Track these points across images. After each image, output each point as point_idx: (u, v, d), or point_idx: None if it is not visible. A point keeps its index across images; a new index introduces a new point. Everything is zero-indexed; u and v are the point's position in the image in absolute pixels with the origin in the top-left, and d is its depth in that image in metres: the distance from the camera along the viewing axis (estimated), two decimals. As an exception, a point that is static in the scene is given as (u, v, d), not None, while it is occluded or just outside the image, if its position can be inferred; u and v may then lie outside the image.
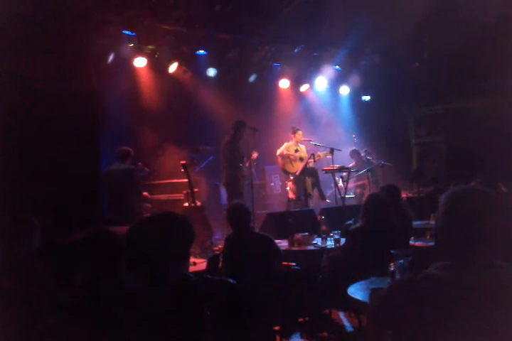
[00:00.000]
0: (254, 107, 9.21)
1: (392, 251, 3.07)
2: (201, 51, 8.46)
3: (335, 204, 8.40)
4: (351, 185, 9.46)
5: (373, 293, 2.13)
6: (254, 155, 8.03)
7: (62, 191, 5.32)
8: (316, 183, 8.92)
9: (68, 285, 2.77)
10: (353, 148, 10.00)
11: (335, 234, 5.19)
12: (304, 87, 10.31)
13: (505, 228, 1.77)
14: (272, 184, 9.94)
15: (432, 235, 4.91)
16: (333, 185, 8.68)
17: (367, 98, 11.38)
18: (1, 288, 2.66)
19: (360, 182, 9.70)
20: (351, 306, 4.13)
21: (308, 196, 8.52)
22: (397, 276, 2.87)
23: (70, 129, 5.58)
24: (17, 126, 5.10)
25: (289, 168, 8.91)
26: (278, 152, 8.96)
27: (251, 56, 8.98)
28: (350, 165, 9.59)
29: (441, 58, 10.00)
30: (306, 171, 8.61)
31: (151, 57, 8.01)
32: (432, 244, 4.91)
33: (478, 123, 9.54)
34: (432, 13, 8.06)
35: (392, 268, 2.98)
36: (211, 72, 8.74)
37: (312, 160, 8.63)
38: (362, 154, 9.90)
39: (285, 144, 9.02)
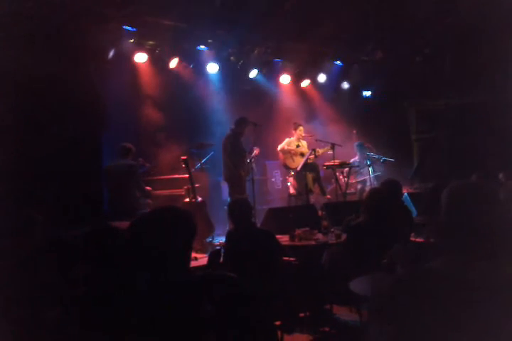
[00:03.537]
0: (255, 103, 9.19)
1: (393, 246, 3.08)
2: (202, 46, 8.43)
3: (335, 199, 8.40)
4: (352, 180, 9.44)
5: (375, 287, 2.13)
6: (256, 151, 8.02)
7: (64, 187, 5.34)
8: (317, 179, 8.92)
9: (70, 281, 2.77)
10: (359, 141, 9.84)
11: (336, 229, 5.19)
12: (304, 83, 10.27)
13: (506, 221, 1.77)
14: (273, 179, 9.94)
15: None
16: (333, 180, 8.67)
17: (368, 93, 11.35)
18: (2, 283, 2.67)
19: (361, 178, 9.67)
20: (352, 301, 4.14)
21: (309, 191, 8.52)
22: (399, 269, 2.88)
23: (70, 126, 5.59)
24: (18, 124, 5.11)
25: (290, 163, 8.91)
26: (279, 147, 8.97)
27: (251, 51, 8.96)
28: (352, 160, 9.55)
29: (443, 54, 9.97)
30: (307, 166, 8.61)
31: (151, 52, 7.98)
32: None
33: (479, 118, 9.52)
34: (434, 8, 8.04)
35: (386, 261, 2.99)
36: (212, 67, 8.71)
37: (313, 155, 8.63)
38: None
39: (286, 139, 9.04)
